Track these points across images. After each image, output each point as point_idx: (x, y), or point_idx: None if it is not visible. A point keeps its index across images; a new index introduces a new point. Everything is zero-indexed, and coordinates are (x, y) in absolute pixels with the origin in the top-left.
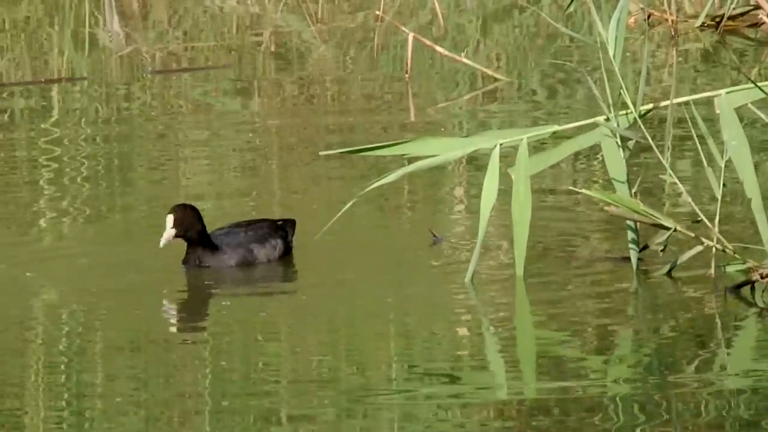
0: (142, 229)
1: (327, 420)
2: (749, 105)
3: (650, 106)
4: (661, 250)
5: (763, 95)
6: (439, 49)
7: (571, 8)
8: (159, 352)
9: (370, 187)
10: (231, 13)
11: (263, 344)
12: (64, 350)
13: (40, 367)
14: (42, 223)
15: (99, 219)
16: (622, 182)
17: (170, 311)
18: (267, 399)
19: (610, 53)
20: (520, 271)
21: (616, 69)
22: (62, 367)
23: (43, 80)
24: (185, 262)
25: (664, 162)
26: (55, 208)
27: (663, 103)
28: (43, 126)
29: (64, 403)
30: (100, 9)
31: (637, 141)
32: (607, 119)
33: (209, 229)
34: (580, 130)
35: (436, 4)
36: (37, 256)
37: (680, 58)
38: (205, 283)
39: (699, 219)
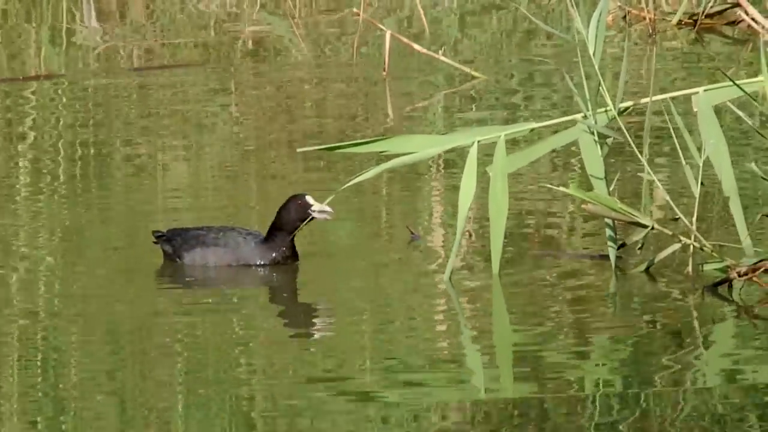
0: (118, 224)
1: (301, 418)
2: (727, 103)
3: (629, 103)
4: (639, 248)
5: (741, 93)
6: (416, 47)
7: (551, 2)
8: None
9: (348, 184)
10: (208, 11)
11: (238, 342)
12: (39, 343)
13: (14, 360)
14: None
15: (76, 215)
16: (600, 180)
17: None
18: (241, 398)
19: (590, 51)
20: (496, 268)
21: (596, 67)
22: (38, 358)
23: (21, 78)
24: (276, 255)
25: (642, 160)
26: (30, 209)
27: (642, 101)
28: (20, 129)
29: (40, 394)
30: (78, 5)
31: (615, 139)
32: (585, 117)
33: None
34: (558, 127)
35: (417, 2)
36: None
37: (658, 56)
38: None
39: (677, 217)
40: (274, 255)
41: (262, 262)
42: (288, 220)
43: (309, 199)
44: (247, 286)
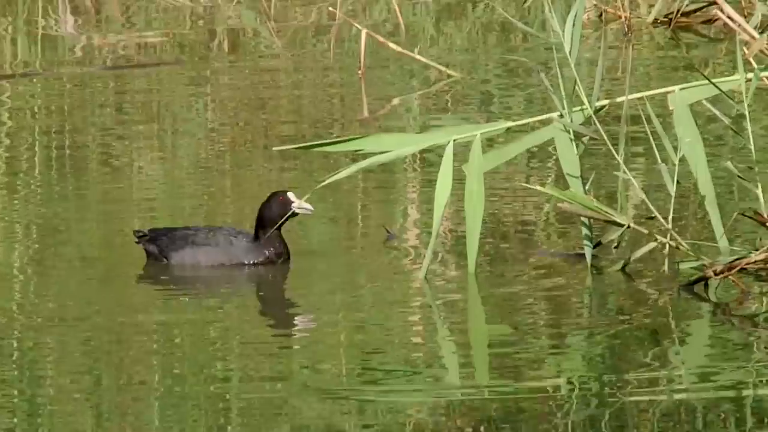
0: (93, 222)
1: (278, 417)
2: (703, 101)
3: (605, 102)
4: (615, 247)
5: (717, 91)
6: (392, 45)
7: (528, 2)
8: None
9: (324, 183)
10: (184, 9)
11: (215, 341)
12: (16, 342)
13: None
14: None
15: (50, 213)
16: (576, 178)
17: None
18: (217, 397)
19: (567, 50)
20: (472, 267)
21: (572, 66)
22: (14, 358)
23: None
24: (268, 253)
25: (618, 158)
26: (4, 208)
27: (618, 99)
28: None
29: (15, 392)
30: (53, 3)
31: (591, 138)
32: (561, 116)
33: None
34: (534, 126)
35: (393, 1)
36: None
37: (634, 55)
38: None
39: (653, 215)
40: (266, 254)
41: (254, 261)
42: (269, 216)
43: (290, 195)
44: (234, 285)
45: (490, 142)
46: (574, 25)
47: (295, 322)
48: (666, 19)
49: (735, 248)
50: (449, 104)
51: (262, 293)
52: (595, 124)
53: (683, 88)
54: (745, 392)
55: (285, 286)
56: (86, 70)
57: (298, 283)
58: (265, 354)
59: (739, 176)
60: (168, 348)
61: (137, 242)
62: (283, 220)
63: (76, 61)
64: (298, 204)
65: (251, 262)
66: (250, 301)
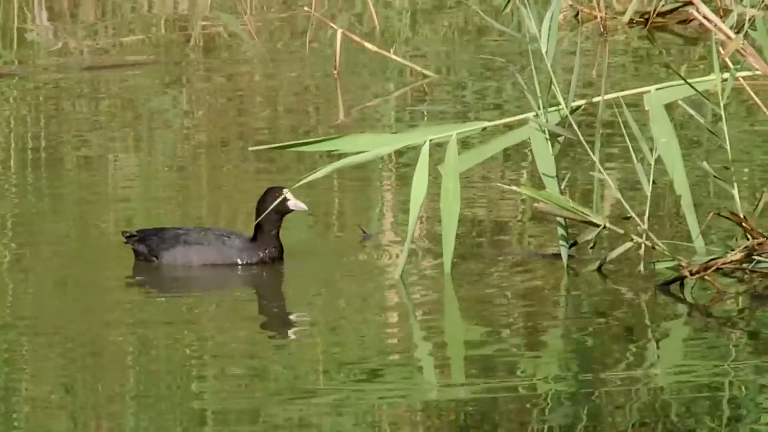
0: (70, 220)
1: (254, 418)
2: (679, 101)
3: (581, 102)
4: (591, 247)
5: (693, 92)
6: (368, 45)
7: (508, 9)
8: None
9: (300, 183)
10: (160, 9)
11: (191, 342)
12: None
13: None
14: None
15: (26, 213)
16: (552, 178)
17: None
18: (194, 396)
19: (543, 50)
20: (448, 267)
21: (549, 66)
22: None
23: None
24: (262, 254)
25: (594, 158)
26: None
27: (595, 99)
28: None
29: None
30: (29, 5)
31: (567, 138)
32: (536, 115)
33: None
34: (510, 126)
35: (369, 1)
36: None
37: (609, 55)
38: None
39: (629, 216)
40: (260, 254)
41: (248, 261)
42: (267, 213)
43: (286, 191)
44: (216, 285)
45: (466, 142)
46: (550, 25)
47: (268, 322)
48: (642, 20)
49: (711, 248)
50: (425, 104)
51: (239, 293)
52: (571, 124)
53: (659, 88)
54: (720, 391)
55: (258, 286)
56: (62, 71)
57: (272, 284)
58: (240, 355)
59: (714, 176)
60: (143, 350)
61: (126, 242)
62: (281, 217)
63: (52, 63)
64: (294, 203)
65: (245, 262)
66: (224, 303)
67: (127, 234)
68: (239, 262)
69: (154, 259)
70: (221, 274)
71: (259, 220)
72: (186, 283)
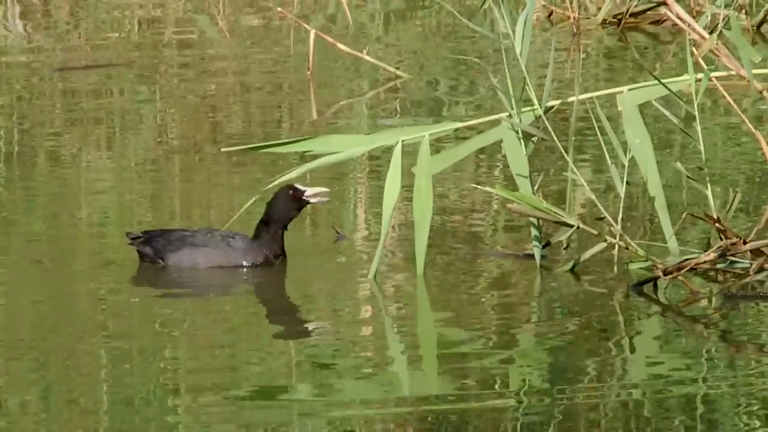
0: (41, 217)
1: (225, 420)
2: (653, 102)
3: (555, 102)
4: (564, 248)
5: (666, 92)
6: (341, 46)
7: (486, 5)
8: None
9: (272, 184)
10: (133, 10)
11: (162, 344)
12: None
13: None
14: None
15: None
16: (525, 179)
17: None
18: (163, 397)
19: (517, 51)
20: (421, 268)
21: (523, 66)
22: None
23: None
24: (267, 254)
25: (567, 159)
26: None
27: (569, 99)
28: None
29: None
30: (2, 4)
31: (541, 138)
32: (510, 116)
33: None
34: (483, 127)
35: (343, 1)
36: None
37: (582, 55)
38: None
39: (602, 216)
40: (265, 254)
41: (253, 263)
42: (282, 212)
43: (299, 186)
44: (208, 288)
45: (439, 143)
46: (525, 25)
47: (240, 323)
48: (615, 20)
49: (684, 249)
50: (398, 105)
51: (211, 294)
52: (544, 124)
53: (632, 89)
54: (694, 392)
55: (231, 286)
56: (34, 73)
57: (245, 284)
58: (210, 357)
59: (688, 176)
60: (120, 349)
61: (130, 244)
62: (297, 214)
63: (24, 63)
64: (312, 191)
65: (250, 263)
66: (196, 303)
67: (132, 235)
68: (244, 263)
69: (160, 261)
70: (226, 276)
71: (267, 219)
72: (193, 284)
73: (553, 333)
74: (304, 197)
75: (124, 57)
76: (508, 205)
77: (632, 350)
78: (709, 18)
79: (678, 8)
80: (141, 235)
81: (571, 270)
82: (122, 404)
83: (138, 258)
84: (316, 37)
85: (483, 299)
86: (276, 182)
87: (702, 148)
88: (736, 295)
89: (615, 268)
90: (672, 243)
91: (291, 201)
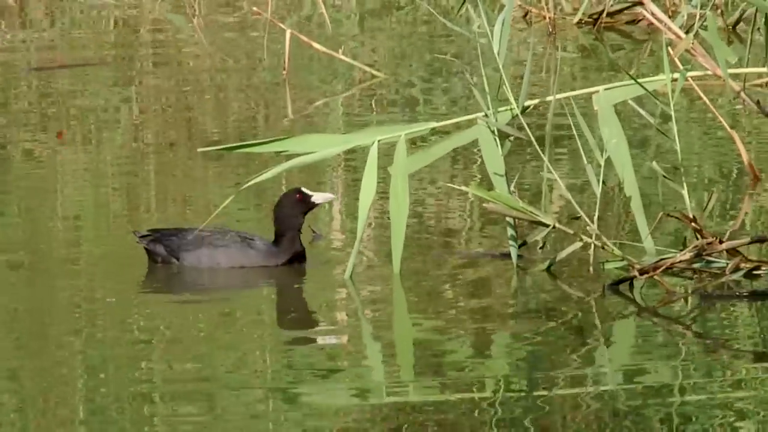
0: (17, 217)
1: (199, 420)
2: (629, 101)
3: (533, 102)
4: (540, 247)
5: (642, 91)
6: (316, 46)
7: (463, 9)
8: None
9: (248, 184)
10: (109, 10)
11: (137, 346)
12: None
13: None
14: None
15: None
16: (501, 178)
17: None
18: (140, 399)
19: (495, 50)
20: (397, 268)
21: (501, 66)
22: None
23: None
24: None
25: (543, 158)
26: None
27: (548, 98)
28: None
29: None
30: None
31: (517, 138)
32: (486, 115)
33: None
34: (459, 126)
35: (319, 1)
36: None
37: (558, 55)
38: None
39: (578, 216)
40: (286, 256)
41: (274, 263)
42: (290, 217)
43: (305, 190)
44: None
45: (415, 143)
46: (503, 25)
47: (216, 323)
48: (591, 20)
49: (660, 248)
50: (374, 105)
51: (187, 294)
52: (521, 123)
53: (608, 89)
54: (669, 391)
55: (206, 286)
56: (10, 72)
57: (220, 285)
58: (185, 357)
59: (664, 176)
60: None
61: (138, 242)
62: (305, 216)
63: (0, 62)
64: (322, 197)
65: (272, 264)
66: (172, 303)
67: (140, 234)
68: (266, 264)
69: (175, 260)
70: (249, 276)
71: (277, 224)
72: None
73: (529, 332)
74: (311, 200)
75: (99, 56)
76: (485, 205)
77: (608, 349)
78: (685, 18)
79: (654, 7)
80: (150, 233)
81: (548, 269)
82: (96, 414)
83: (147, 258)
84: (291, 36)
85: (459, 298)
86: (253, 181)
87: (678, 147)
88: (712, 295)
89: (591, 268)
90: (648, 242)
91: (298, 206)
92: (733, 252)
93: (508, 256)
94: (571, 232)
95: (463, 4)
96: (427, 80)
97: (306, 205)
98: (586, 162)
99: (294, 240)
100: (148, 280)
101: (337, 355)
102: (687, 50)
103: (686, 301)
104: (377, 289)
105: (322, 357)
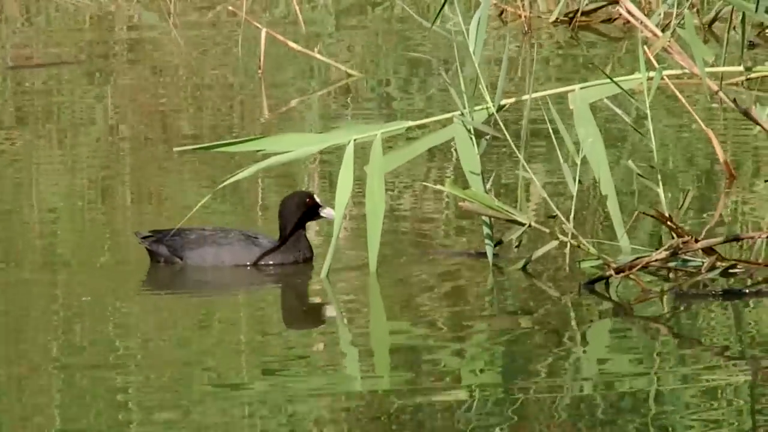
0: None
1: (182, 414)
2: (605, 100)
3: (509, 100)
4: (516, 246)
5: (618, 90)
6: (292, 44)
7: (439, 18)
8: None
9: (224, 184)
10: (84, 8)
11: (116, 342)
12: None
13: None
14: None
15: None
16: (477, 177)
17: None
18: (119, 393)
19: (471, 49)
20: (373, 267)
21: (477, 65)
22: None
23: None
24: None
25: (520, 157)
26: None
27: (524, 97)
28: None
29: None
30: None
31: (493, 136)
32: (462, 114)
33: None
34: (436, 125)
35: (293, 0)
36: None
37: (534, 54)
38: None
39: (554, 215)
40: (294, 254)
41: (281, 262)
42: (294, 217)
43: (317, 198)
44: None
45: (391, 142)
46: (479, 24)
47: (193, 321)
48: (566, 19)
49: (636, 247)
50: (350, 104)
51: (164, 293)
52: (497, 122)
53: (583, 87)
54: (645, 390)
55: (184, 285)
56: None
57: (198, 283)
58: (166, 353)
59: (640, 175)
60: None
61: (140, 243)
62: (309, 221)
63: None
64: (329, 214)
65: (278, 263)
66: (149, 302)
67: (142, 235)
68: (272, 262)
69: (178, 260)
70: (255, 274)
71: (283, 225)
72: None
73: (505, 331)
74: (317, 211)
75: (75, 55)
76: (460, 204)
77: (584, 348)
78: (662, 16)
79: (630, 5)
80: (151, 234)
81: (523, 268)
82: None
83: (149, 258)
84: (267, 35)
85: (435, 297)
86: (229, 180)
87: (654, 146)
88: (687, 294)
89: (567, 267)
90: (624, 241)
91: (304, 207)
92: (708, 251)
93: (484, 255)
94: (547, 230)
95: (441, 10)
96: (403, 78)
97: (312, 212)
98: (562, 161)
99: (299, 240)
100: (149, 279)
101: (312, 352)
102: (663, 48)
103: (662, 299)
104: (353, 287)
105: (298, 352)
